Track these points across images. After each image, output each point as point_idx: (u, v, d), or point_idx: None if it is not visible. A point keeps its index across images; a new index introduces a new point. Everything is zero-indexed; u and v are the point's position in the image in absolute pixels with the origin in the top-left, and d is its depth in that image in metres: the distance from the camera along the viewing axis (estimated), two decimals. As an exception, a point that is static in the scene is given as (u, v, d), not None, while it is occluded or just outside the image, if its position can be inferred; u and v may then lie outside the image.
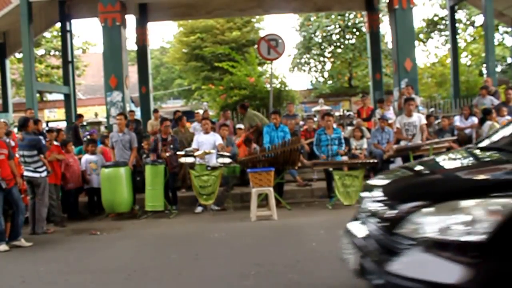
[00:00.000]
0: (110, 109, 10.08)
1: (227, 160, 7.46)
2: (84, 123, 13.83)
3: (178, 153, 7.76)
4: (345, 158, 8.02)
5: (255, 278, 4.04)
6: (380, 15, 14.22)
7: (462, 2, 14.34)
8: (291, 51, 26.17)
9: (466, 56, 21.30)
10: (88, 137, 9.53)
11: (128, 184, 7.52)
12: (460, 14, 21.79)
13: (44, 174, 6.68)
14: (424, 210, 2.11)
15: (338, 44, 24.98)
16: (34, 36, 12.22)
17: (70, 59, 14.04)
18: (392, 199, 2.45)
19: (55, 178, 7.19)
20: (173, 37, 25.65)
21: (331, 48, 25.35)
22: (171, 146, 7.96)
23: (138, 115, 13.29)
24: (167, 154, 7.81)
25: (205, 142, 7.90)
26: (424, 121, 7.96)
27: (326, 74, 26.69)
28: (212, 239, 5.80)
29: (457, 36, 15.46)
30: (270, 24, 56.44)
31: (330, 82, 26.65)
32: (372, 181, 3.10)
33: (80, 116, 11.96)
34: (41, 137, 7.00)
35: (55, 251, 5.74)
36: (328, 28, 24.55)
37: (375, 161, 7.69)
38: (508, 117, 8.15)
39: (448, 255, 1.94)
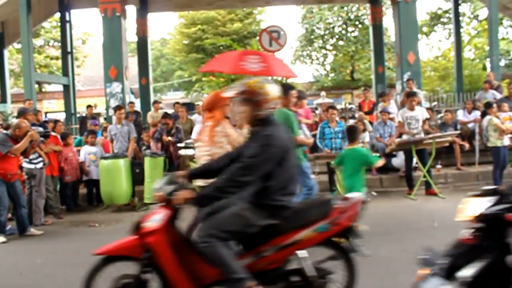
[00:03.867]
0: (109, 100, 10.00)
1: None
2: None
3: (178, 145, 7.68)
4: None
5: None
6: (383, 8, 14.04)
7: (467, -5, 14.19)
8: (293, 43, 26.08)
9: (470, 50, 21.14)
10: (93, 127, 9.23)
11: (127, 176, 7.47)
12: (464, 8, 21.58)
13: (39, 165, 6.62)
14: None
15: (341, 36, 24.82)
16: (33, 26, 12.10)
17: (69, 49, 13.91)
18: None
19: (51, 170, 7.09)
20: (174, 28, 25.50)
21: (333, 41, 25.20)
22: (176, 136, 8.08)
23: (137, 106, 13.17)
24: (169, 138, 7.96)
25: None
26: (426, 115, 7.87)
27: (328, 67, 26.56)
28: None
29: (461, 30, 15.28)
30: (272, 16, 56.12)
31: (332, 75, 26.53)
32: None
33: (89, 106, 11.70)
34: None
35: (53, 243, 5.69)
36: (331, 20, 24.38)
37: (378, 155, 7.62)
38: (510, 113, 8.04)
39: None
